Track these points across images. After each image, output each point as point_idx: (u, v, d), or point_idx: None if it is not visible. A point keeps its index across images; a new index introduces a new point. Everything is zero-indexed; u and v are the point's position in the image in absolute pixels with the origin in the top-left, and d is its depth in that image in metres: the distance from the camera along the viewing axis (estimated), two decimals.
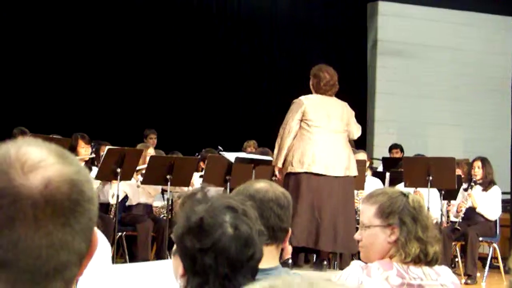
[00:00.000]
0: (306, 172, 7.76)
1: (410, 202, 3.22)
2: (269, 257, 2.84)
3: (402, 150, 12.97)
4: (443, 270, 3.26)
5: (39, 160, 1.29)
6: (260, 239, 2.34)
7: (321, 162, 7.78)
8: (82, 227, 1.31)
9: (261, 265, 2.60)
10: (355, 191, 10.03)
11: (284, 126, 7.97)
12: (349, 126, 8.13)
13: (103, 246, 2.93)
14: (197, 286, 2.27)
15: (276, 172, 8.08)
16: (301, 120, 7.88)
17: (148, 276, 2.95)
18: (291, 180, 7.80)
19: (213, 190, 2.51)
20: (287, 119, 7.96)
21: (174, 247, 2.41)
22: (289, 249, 3.12)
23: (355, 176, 8.15)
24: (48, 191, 1.27)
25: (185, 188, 9.70)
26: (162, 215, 10.14)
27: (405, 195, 3.24)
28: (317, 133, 7.85)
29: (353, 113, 8.27)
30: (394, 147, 13.14)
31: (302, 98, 8.00)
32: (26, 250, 1.26)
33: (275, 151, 8.07)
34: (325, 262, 7.90)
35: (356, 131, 8.27)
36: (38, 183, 1.27)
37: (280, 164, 7.95)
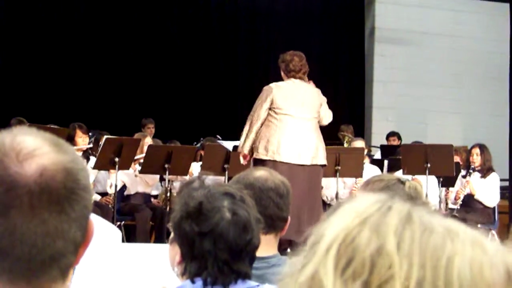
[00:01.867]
0: (270, 160, 7.70)
1: (406, 189, 3.22)
2: (268, 246, 2.84)
3: (399, 138, 12.97)
4: None
5: (34, 149, 1.29)
6: (257, 226, 2.35)
7: (285, 150, 7.70)
8: (77, 216, 1.31)
9: (260, 253, 2.61)
10: (353, 179, 10.06)
11: (252, 113, 7.94)
12: (321, 112, 8.03)
13: (112, 231, 2.94)
14: (195, 271, 2.28)
15: (241, 158, 8.00)
16: (270, 108, 7.84)
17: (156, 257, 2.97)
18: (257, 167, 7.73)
19: (212, 179, 2.51)
20: (256, 106, 7.90)
21: (171, 235, 2.41)
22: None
23: (323, 165, 8.06)
24: (43, 179, 1.27)
25: (186, 177, 9.72)
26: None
27: (402, 182, 3.25)
28: (285, 121, 7.78)
29: (324, 99, 8.14)
30: (391, 134, 13.14)
31: (272, 85, 7.95)
32: (22, 238, 1.26)
33: (242, 137, 8.02)
34: (288, 250, 7.76)
35: (327, 117, 8.11)
36: (33, 171, 1.27)
37: (246, 151, 7.89)
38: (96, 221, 2.81)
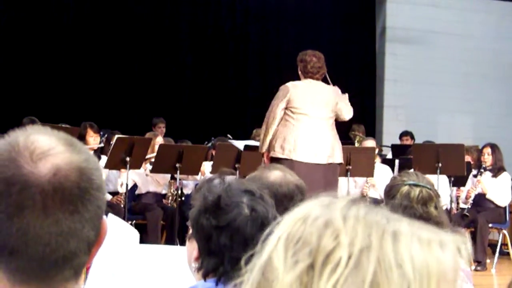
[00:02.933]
0: (287, 159, 7.71)
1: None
2: None
3: (412, 137, 12.94)
4: None
5: (48, 148, 1.29)
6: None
7: (302, 149, 7.72)
8: (91, 215, 1.31)
9: None
10: (364, 178, 10.05)
11: (268, 112, 7.96)
12: (338, 111, 8.01)
13: (130, 232, 2.95)
14: (212, 267, 2.27)
15: (264, 158, 8.02)
16: (286, 108, 7.85)
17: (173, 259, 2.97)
18: None
19: (230, 177, 2.51)
20: (272, 105, 7.92)
21: (189, 231, 2.42)
22: None
23: (340, 164, 8.08)
24: (57, 179, 1.28)
25: (197, 177, 9.72)
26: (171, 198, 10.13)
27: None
28: (301, 120, 7.79)
29: (343, 96, 8.14)
30: (404, 134, 13.11)
31: (289, 84, 7.95)
32: (35, 238, 1.27)
33: (261, 137, 8.05)
34: None
35: (347, 113, 8.10)
36: (47, 171, 1.28)
37: (265, 149, 7.92)
38: (115, 222, 2.82)
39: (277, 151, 7.76)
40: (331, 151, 7.85)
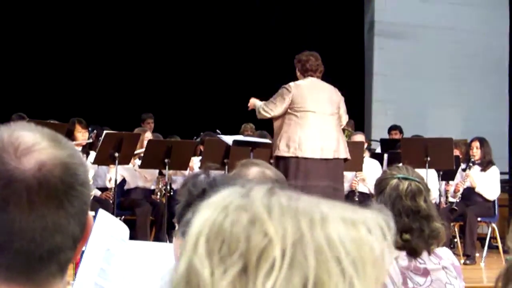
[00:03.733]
0: (293, 157, 7.76)
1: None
2: None
3: (401, 131, 12.95)
4: (443, 252, 3.32)
5: (32, 144, 1.29)
6: None
7: (307, 145, 7.77)
8: (76, 211, 1.31)
9: None
10: (353, 173, 10.06)
11: (268, 104, 8.02)
12: (340, 110, 8.12)
13: (120, 228, 2.94)
14: None
15: None
16: (289, 107, 7.90)
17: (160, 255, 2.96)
18: (280, 164, 7.79)
19: (216, 172, 2.50)
20: (275, 100, 8.00)
21: (176, 228, 2.41)
22: None
23: (346, 159, 8.12)
24: (42, 174, 1.27)
25: (185, 172, 9.72)
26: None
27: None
28: (305, 117, 7.85)
29: (342, 98, 8.24)
30: (393, 128, 13.12)
31: (292, 84, 8.01)
32: (20, 233, 1.26)
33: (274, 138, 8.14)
34: None
35: (344, 119, 8.26)
36: (31, 166, 1.27)
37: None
38: (105, 217, 2.81)
39: (282, 150, 7.83)
40: (336, 145, 7.93)
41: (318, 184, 7.75)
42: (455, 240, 10.62)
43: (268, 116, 8.04)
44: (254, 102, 8.29)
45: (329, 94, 8.05)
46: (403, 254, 3.24)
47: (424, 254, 3.28)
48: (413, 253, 3.26)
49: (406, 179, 3.32)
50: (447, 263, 3.34)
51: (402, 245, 3.24)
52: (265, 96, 9.45)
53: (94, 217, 2.68)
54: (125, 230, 2.95)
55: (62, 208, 1.29)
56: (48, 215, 1.28)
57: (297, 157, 7.75)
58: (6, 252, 1.27)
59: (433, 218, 3.32)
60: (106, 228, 2.79)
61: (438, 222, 3.35)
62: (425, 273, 3.25)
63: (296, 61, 8.22)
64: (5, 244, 1.26)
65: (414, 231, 3.26)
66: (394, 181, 3.34)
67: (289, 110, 7.91)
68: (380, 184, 3.42)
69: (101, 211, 2.79)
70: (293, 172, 7.75)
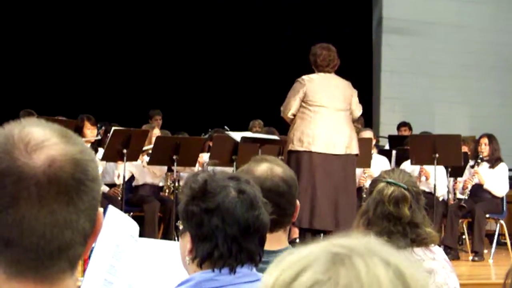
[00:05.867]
0: (306, 151, 7.77)
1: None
2: (278, 241, 2.84)
3: (410, 128, 12.93)
4: (436, 249, 3.36)
5: (42, 140, 1.29)
6: (265, 206, 2.35)
7: (321, 140, 7.78)
8: (86, 207, 1.31)
9: (271, 247, 2.61)
10: (361, 169, 10.06)
11: (284, 105, 8.03)
12: (352, 105, 8.13)
13: (130, 225, 2.94)
14: (207, 252, 2.28)
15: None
16: (303, 100, 7.90)
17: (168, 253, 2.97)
18: (292, 159, 7.80)
19: (219, 169, 2.51)
20: (289, 97, 8.01)
21: (181, 227, 2.41)
22: (295, 230, 3.12)
23: (357, 155, 8.13)
24: (52, 170, 1.28)
25: (194, 168, 9.72)
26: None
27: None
28: (318, 112, 7.86)
29: (355, 92, 8.25)
30: (402, 125, 13.10)
31: (305, 77, 8.02)
32: (30, 229, 1.27)
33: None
34: (297, 241, 7.77)
35: (358, 111, 8.26)
36: (41, 162, 1.28)
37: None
38: (115, 214, 2.82)
39: (296, 144, 7.83)
40: (348, 141, 7.94)
41: (330, 179, 7.76)
42: (464, 236, 10.62)
43: (287, 116, 8.02)
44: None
45: (342, 90, 8.05)
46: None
47: (419, 250, 3.31)
48: None
49: (392, 184, 3.33)
50: (441, 258, 3.37)
51: None
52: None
53: (103, 213, 2.69)
54: (134, 226, 2.95)
55: (72, 204, 1.29)
56: (59, 211, 1.28)
57: (310, 152, 7.76)
58: (17, 248, 1.27)
59: (418, 225, 3.32)
60: (116, 225, 2.80)
61: (427, 227, 3.36)
62: (430, 271, 3.28)
63: (310, 54, 8.21)
64: (16, 240, 1.27)
65: (394, 234, 3.27)
66: (381, 184, 3.35)
67: (303, 104, 7.91)
68: (371, 186, 3.47)
69: (111, 208, 2.80)
70: (306, 167, 7.76)
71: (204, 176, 2.32)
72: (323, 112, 7.87)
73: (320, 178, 7.72)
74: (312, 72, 8.13)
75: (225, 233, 2.26)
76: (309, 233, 8.20)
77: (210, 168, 2.47)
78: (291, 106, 7.94)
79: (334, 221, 7.82)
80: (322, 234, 8.18)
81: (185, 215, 2.32)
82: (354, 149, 8.03)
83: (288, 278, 1.02)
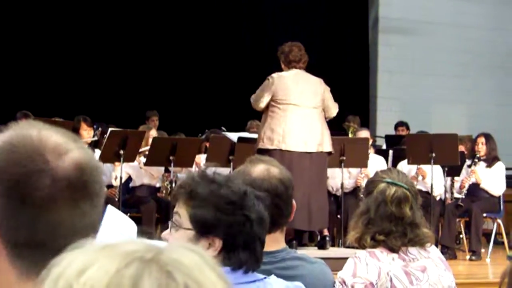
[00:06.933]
0: (276, 149, 7.72)
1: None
2: (276, 241, 2.84)
3: (408, 128, 12.94)
4: (432, 249, 3.40)
5: (65, 144, 1.32)
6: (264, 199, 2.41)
7: (291, 138, 7.74)
8: (101, 209, 1.36)
9: (269, 248, 2.63)
10: (359, 169, 10.05)
11: (255, 96, 8.10)
12: (325, 102, 8.06)
13: (129, 224, 2.94)
14: (245, 260, 2.34)
15: None
16: (272, 99, 7.88)
17: None
18: None
19: (219, 170, 2.51)
20: (258, 92, 8.06)
21: (174, 218, 2.41)
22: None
23: (330, 153, 8.08)
24: (79, 174, 1.30)
25: (191, 169, 9.72)
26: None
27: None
28: (289, 110, 7.83)
29: (328, 88, 8.18)
30: (400, 124, 13.11)
31: (275, 75, 8.02)
32: (64, 231, 1.28)
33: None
34: (294, 242, 7.64)
35: (333, 110, 8.18)
36: (69, 165, 1.29)
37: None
38: (114, 213, 2.81)
39: (266, 143, 7.79)
40: (320, 139, 7.87)
41: (302, 178, 7.63)
42: (461, 236, 10.63)
43: (259, 106, 8.01)
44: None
45: (313, 87, 8.00)
46: (396, 256, 3.29)
47: (413, 249, 3.33)
48: (390, 250, 3.30)
49: (394, 184, 3.34)
50: (435, 256, 3.39)
51: (373, 245, 3.29)
52: None
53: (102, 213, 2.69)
54: (133, 226, 2.95)
55: (95, 206, 1.32)
56: (87, 213, 1.30)
57: (281, 150, 7.72)
58: (47, 249, 1.26)
59: (418, 225, 3.35)
60: (115, 224, 2.80)
61: (424, 228, 3.38)
62: (423, 269, 3.30)
63: (279, 53, 8.22)
64: (48, 242, 1.27)
65: (394, 233, 3.29)
66: (382, 185, 3.36)
67: (272, 102, 7.89)
68: (369, 186, 3.47)
69: (110, 207, 2.79)
70: None
71: (240, 185, 2.37)
72: (293, 109, 7.82)
73: (292, 177, 7.65)
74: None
75: (260, 241, 2.35)
76: (306, 233, 8.19)
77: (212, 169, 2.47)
78: (262, 100, 7.94)
79: (307, 221, 7.76)
80: (319, 235, 8.18)
81: (214, 222, 2.32)
82: (327, 147, 7.96)
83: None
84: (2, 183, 1.26)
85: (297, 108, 7.83)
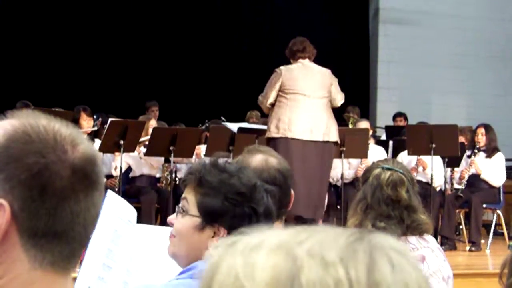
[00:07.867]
0: (282, 137, 7.79)
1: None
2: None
3: (406, 118, 12.92)
4: (429, 238, 3.40)
5: (77, 134, 1.34)
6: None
7: (297, 127, 7.81)
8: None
9: None
10: (359, 160, 10.06)
11: (263, 95, 8.10)
12: (332, 93, 8.14)
13: (129, 210, 2.95)
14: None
15: None
16: (280, 90, 7.94)
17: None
18: (270, 146, 7.79)
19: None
20: (267, 87, 8.09)
21: (181, 204, 2.41)
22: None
23: (336, 143, 8.14)
24: (90, 165, 1.31)
25: (191, 159, 9.72)
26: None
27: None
28: (296, 100, 7.91)
29: (335, 79, 8.25)
30: (398, 115, 13.09)
31: (282, 67, 8.10)
32: (81, 221, 1.29)
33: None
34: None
35: (339, 99, 8.27)
36: (83, 156, 1.31)
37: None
38: (114, 198, 2.82)
39: (272, 131, 7.87)
40: (326, 128, 7.93)
41: (306, 166, 7.74)
42: (461, 227, 10.63)
43: (264, 105, 8.09)
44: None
45: (320, 77, 8.08)
46: None
47: (413, 238, 3.34)
48: None
49: (388, 169, 3.37)
50: (434, 246, 3.40)
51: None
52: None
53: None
54: (132, 212, 2.96)
55: (101, 197, 1.34)
56: (98, 204, 1.33)
57: (286, 138, 7.78)
58: (65, 239, 1.28)
59: (415, 209, 3.36)
60: (114, 209, 2.81)
61: (422, 214, 3.39)
62: (423, 259, 3.30)
63: (286, 51, 8.34)
64: (67, 231, 1.28)
65: (392, 219, 3.30)
66: (377, 170, 3.40)
67: (280, 93, 7.96)
68: (365, 174, 3.50)
69: (109, 192, 2.80)
70: (283, 153, 7.74)
71: (251, 177, 2.37)
72: (300, 99, 7.91)
73: (297, 164, 7.68)
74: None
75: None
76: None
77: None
78: (269, 96, 8.01)
79: (307, 209, 7.80)
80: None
81: (221, 211, 2.32)
82: (333, 137, 8.03)
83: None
84: (22, 173, 1.25)
85: (304, 98, 7.91)
